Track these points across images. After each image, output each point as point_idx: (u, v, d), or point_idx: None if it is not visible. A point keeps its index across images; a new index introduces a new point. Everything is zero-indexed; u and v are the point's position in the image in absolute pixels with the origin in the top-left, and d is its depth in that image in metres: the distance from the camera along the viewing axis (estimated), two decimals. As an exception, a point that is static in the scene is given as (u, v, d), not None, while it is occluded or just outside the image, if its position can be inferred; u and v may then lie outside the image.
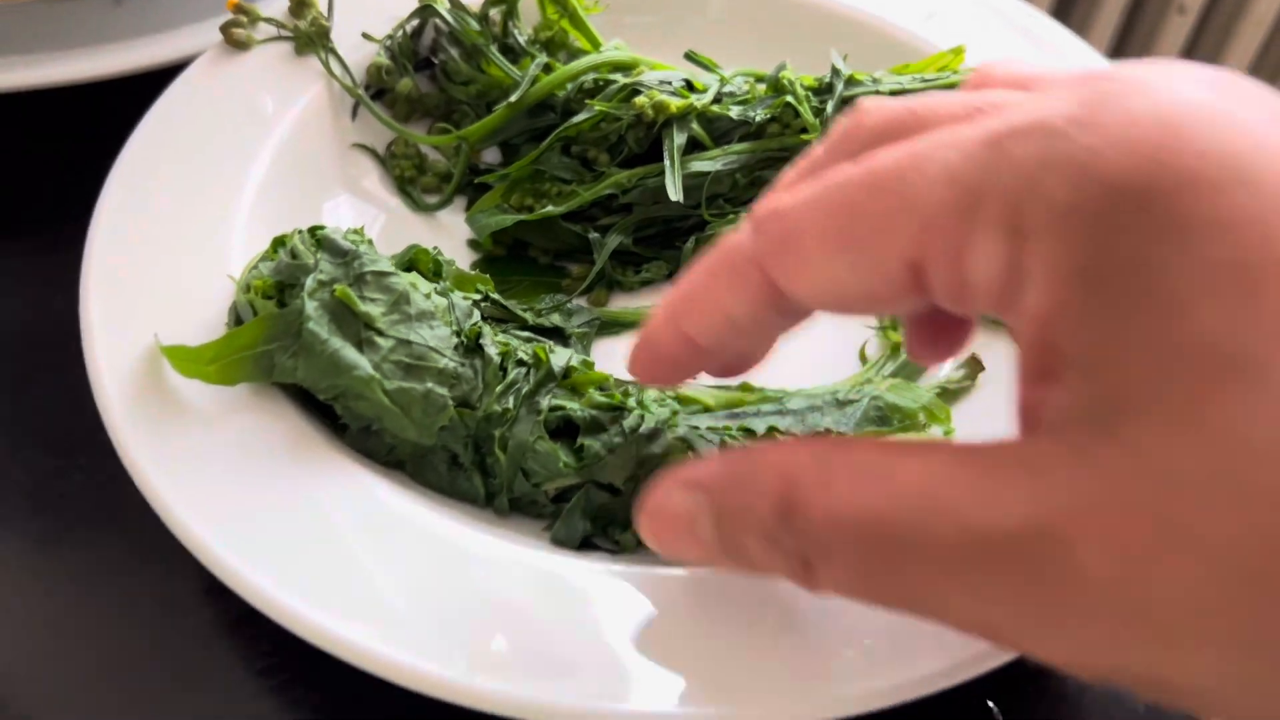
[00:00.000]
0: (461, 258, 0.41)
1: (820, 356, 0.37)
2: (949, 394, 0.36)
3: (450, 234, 0.42)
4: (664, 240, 0.41)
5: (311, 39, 0.43)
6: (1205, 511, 0.15)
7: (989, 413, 0.36)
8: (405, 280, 0.32)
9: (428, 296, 0.32)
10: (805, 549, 0.20)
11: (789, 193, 0.21)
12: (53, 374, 0.38)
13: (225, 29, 0.42)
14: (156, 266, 0.35)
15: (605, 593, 0.28)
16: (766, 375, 0.32)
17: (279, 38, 0.43)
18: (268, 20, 0.43)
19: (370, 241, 0.33)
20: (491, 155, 0.44)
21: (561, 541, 0.31)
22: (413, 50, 0.44)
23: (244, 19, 0.43)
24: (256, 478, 0.30)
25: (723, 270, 0.23)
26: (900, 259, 0.19)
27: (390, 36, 0.44)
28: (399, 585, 0.28)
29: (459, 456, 0.31)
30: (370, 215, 0.42)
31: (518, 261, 0.41)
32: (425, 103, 0.45)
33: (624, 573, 0.29)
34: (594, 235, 0.39)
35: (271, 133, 0.39)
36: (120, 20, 0.48)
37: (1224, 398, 0.15)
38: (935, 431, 0.34)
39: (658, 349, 0.26)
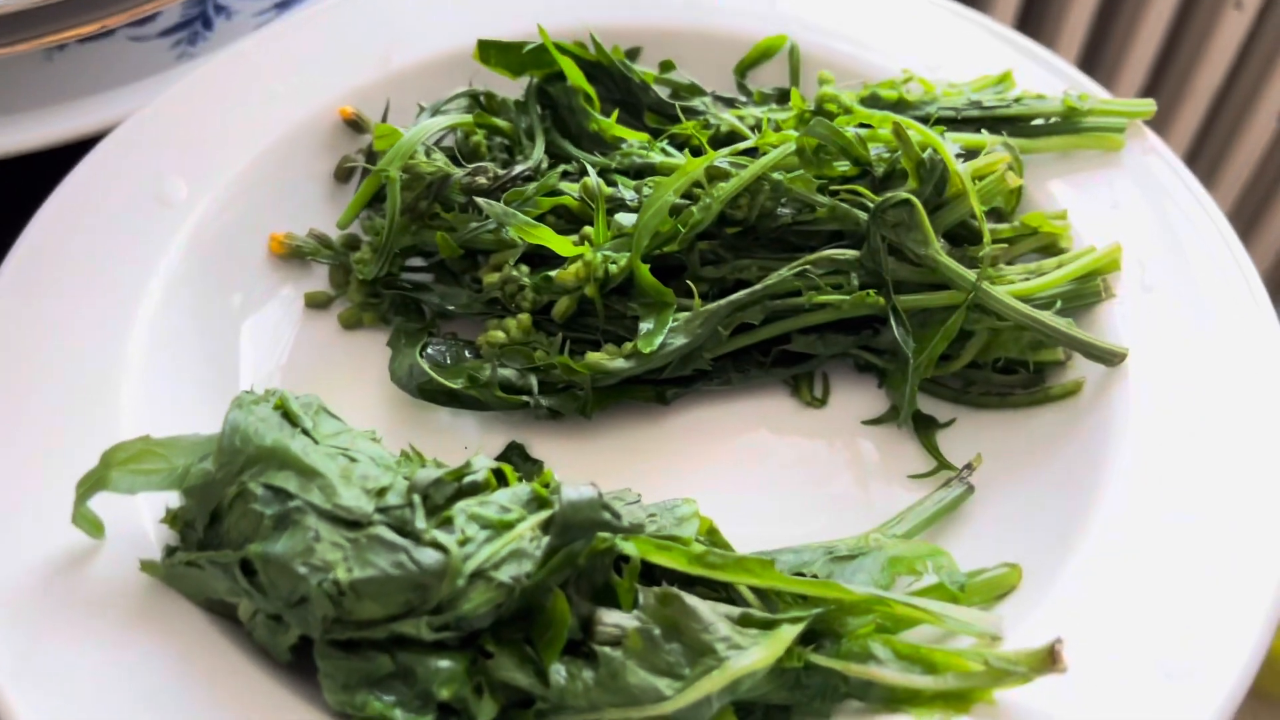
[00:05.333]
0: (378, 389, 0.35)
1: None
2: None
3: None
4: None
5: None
6: None
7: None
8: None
9: None
10: None
11: None
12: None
13: (339, 169, 0.40)
14: (40, 381, 0.31)
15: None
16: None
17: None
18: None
19: None
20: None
21: None
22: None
23: (358, 160, 0.40)
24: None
25: None
26: None
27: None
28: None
29: None
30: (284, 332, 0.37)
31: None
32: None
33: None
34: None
35: (182, 227, 0.35)
36: (53, 79, 0.45)
37: None
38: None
39: None
